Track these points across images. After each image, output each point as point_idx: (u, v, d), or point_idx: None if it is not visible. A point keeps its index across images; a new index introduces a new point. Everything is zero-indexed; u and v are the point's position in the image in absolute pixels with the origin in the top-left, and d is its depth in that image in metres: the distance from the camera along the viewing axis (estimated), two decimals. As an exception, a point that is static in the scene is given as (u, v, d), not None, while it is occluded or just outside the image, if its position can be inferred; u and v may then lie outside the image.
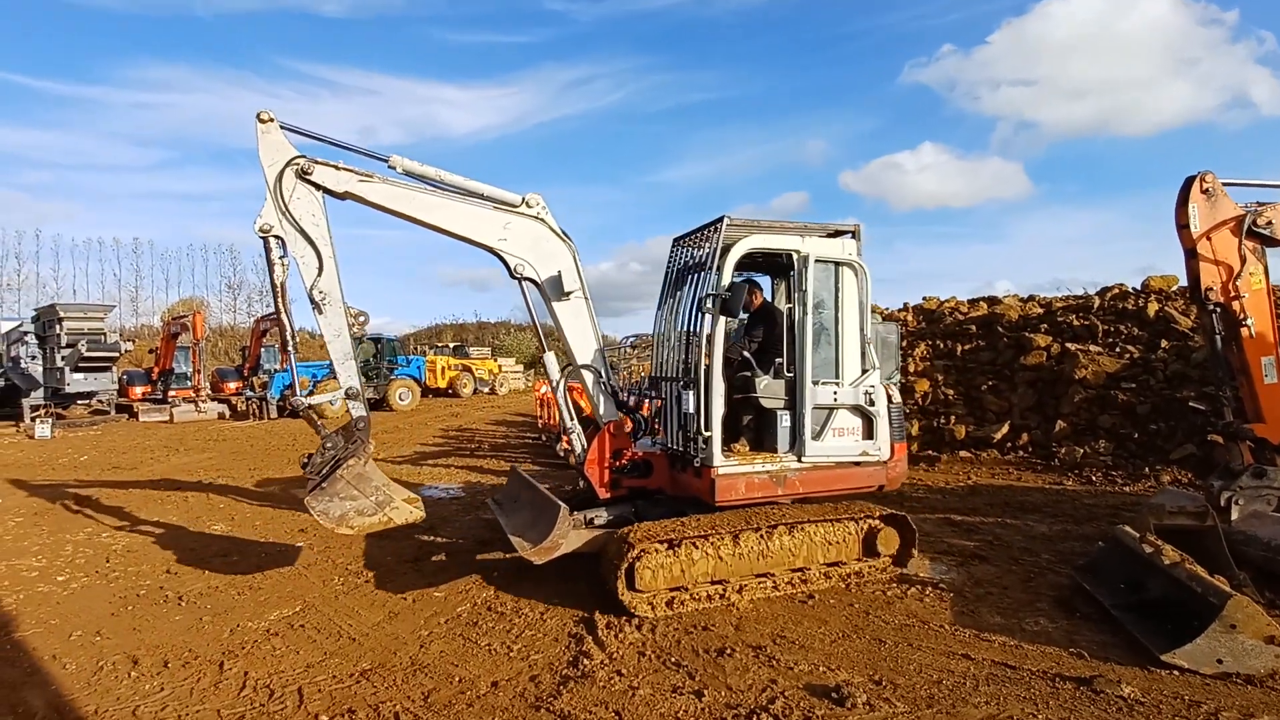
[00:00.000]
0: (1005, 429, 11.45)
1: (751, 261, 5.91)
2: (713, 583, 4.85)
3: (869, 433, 5.32)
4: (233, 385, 21.09)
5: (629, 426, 5.48)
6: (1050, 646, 4.15)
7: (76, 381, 17.40)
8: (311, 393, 5.14)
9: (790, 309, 5.58)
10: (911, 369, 13.53)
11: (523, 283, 5.23)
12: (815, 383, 5.12)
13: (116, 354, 17.42)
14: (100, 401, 18.43)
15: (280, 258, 4.68)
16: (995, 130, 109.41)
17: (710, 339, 4.95)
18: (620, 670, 3.94)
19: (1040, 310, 13.43)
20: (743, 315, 5.95)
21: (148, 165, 75.14)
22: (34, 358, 18.35)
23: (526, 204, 5.12)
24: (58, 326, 16.88)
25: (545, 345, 5.64)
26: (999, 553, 6.10)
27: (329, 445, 4.77)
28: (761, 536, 4.93)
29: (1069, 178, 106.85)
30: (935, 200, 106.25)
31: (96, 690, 3.86)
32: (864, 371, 5.29)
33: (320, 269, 4.71)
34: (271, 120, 4.62)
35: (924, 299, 16.82)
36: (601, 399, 5.39)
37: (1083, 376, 10.97)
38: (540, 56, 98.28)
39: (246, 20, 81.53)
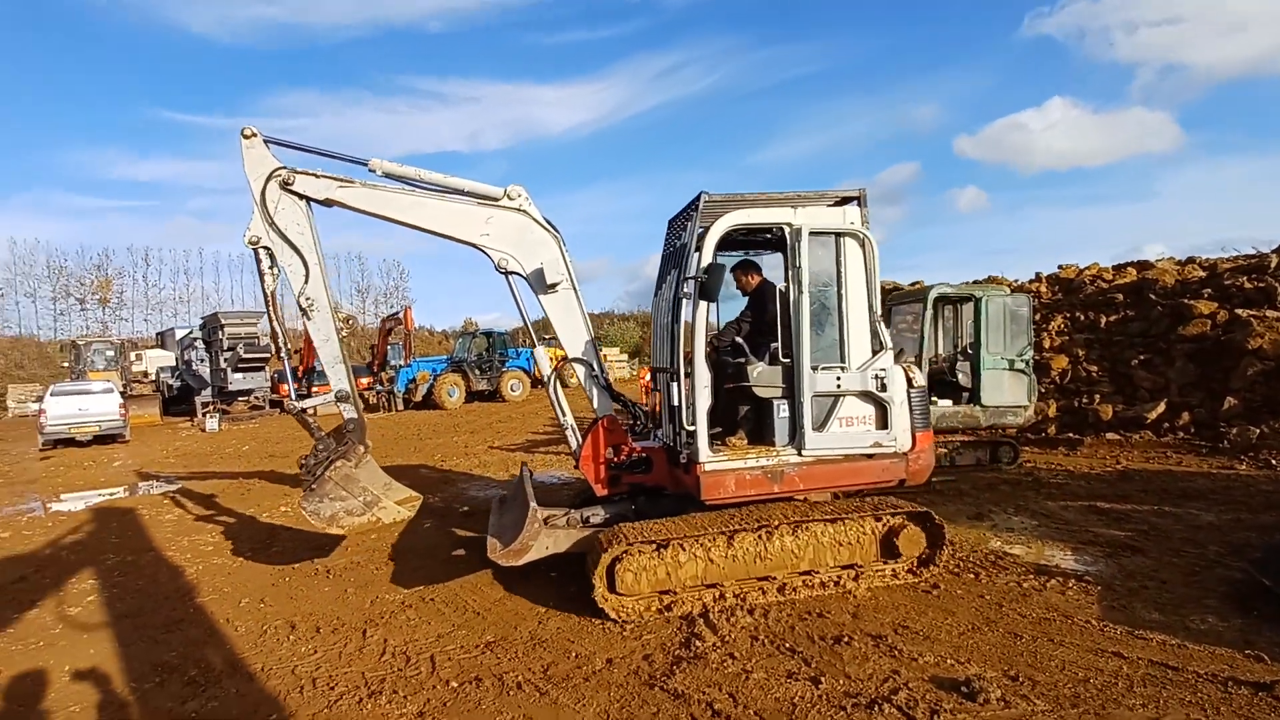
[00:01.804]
0: (1161, 407, 10.27)
1: (752, 240, 5.57)
2: (706, 586, 4.56)
3: (883, 422, 4.73)
4: (364, 381, 22.91)
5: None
6: (1221, 647, 3.67)
7: (236, 380, 19.59)
8: (305, 396, 5.28)
9: (785, 288, 5.01)
10: (1047, 344, 12.43)
11: (509, 277, 5.09)
12: (815, 368, 4.64)
13: (268, 355, 19.42)
14: (256, 398, 20.64)
15: (269, 268, 4.88)
16: (1135, 78, 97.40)
17: (691, 326, 4.63)
18: (733, 653, 3.90)
19: (1202, 274, 11.90)
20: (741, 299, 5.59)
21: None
22: (202, 360, 20.84)
23: (508, 196, 4.98)
24: (220, 332, 19.05)
25: (535, 340, 5.51)
26: (1156, 543, 5.47)
27: (321, 448, 4.97)
28: (759, 537, 4.57)
29: (1231, 124, 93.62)
30: (1068, 160, 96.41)
31: (262, 650, 4.33)
32: (875, 353, 4.73)
33: (307, 277, 4.86)
34: (254, 135, 4.79)
35: (1060, 268, 15.38)
36: (595, 392, 5.18)
37: (1258, 346, 9.61)
38: (631, 48, 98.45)
39: (362, 44, 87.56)
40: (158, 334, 35.84)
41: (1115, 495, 7.14)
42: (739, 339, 5.13)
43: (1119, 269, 13.97)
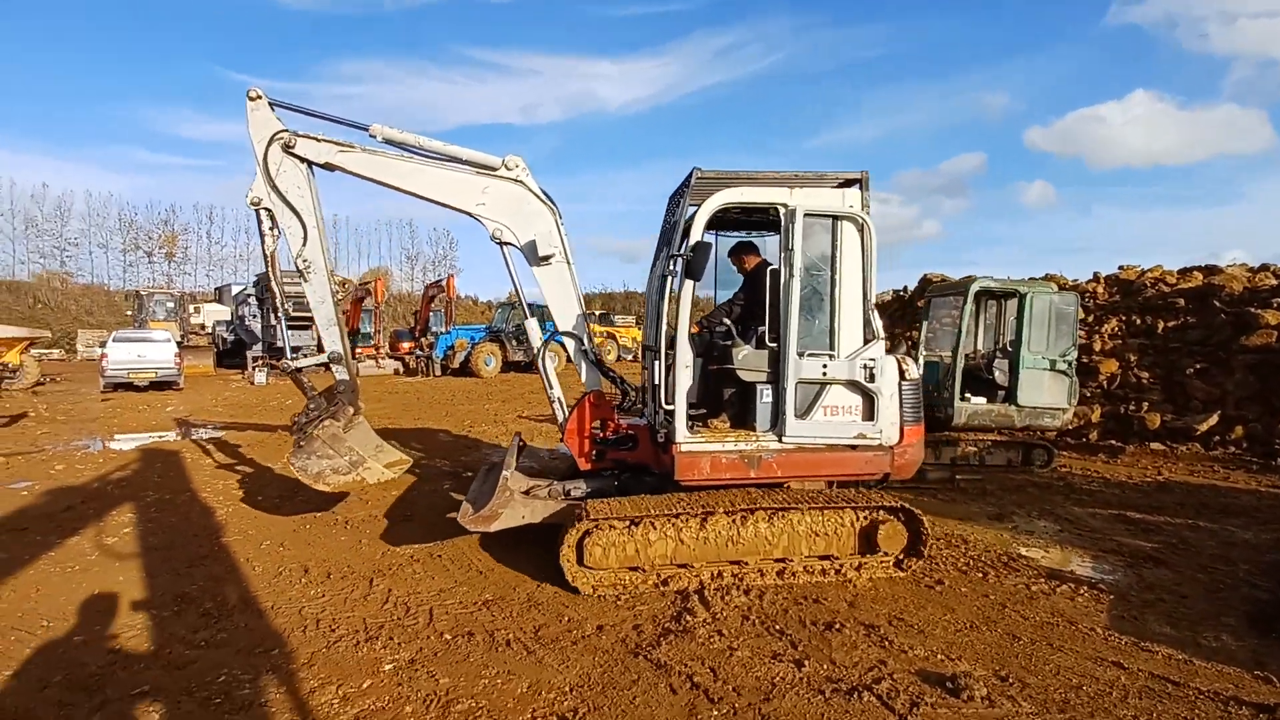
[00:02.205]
0: (1214, 419, 9.78)
1: (751, 220, 5.41)
2: (678, 566, 4.52)
3: (870, 413, 4.61)
4: (406, 345, 23.54)
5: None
6: (1229, 666, 3.51)
7: (287, 337, 20.32)
8: (296, 358, 5.36)
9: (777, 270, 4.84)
10: (1098, 347, 11.94)
11: (504, 248, 5.07)
12: (802, 354, 4.52)
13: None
14: (304, 354, 21.38)
15: (270, 229, 4.97)
16: (1230, 72, 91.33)
17: (675, 305, 4.54)
18: (721, 630, 3.92)
19: (1275, 281, 11.18)
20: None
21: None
22: (254, 316, 21.68)
23: (506, 166, 4.94)
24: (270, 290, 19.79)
25: (528, 313, 5.46)
26: (1182, 558, 5.24)
27: (313, 407, 5.10)
28: (733, 521, 4.49)
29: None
30: (1147, 157, 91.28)
31: (274, 590, 4.53)
32: (866, 342, 4.59)
33: (305, 239, 4.95)
34: (260, 98, 4.83)
35: (1120, 268, 14.67)
36: (583, 366, 5.16)
37: (1326, 361, 9.02)
38: (692, 24, 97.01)
39: (427, 12, 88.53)
40: (216, 289, 37.38)
41: (1149, 506, 6.85)
42: (728, 320, 5.07)
43: (1184, 273, 13.22)
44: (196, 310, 28.45)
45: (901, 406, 4.67)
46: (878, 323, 4.62)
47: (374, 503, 6.68)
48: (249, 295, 22.24)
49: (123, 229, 46.49)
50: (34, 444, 9.70)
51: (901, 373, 4.70)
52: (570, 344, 5.22)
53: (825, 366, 4.55)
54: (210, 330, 25.58)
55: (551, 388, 5.25)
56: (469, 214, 5.05)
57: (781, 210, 4.54)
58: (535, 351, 5.36)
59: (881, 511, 4.62)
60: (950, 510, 6.66)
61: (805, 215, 4.49)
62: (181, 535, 5.67)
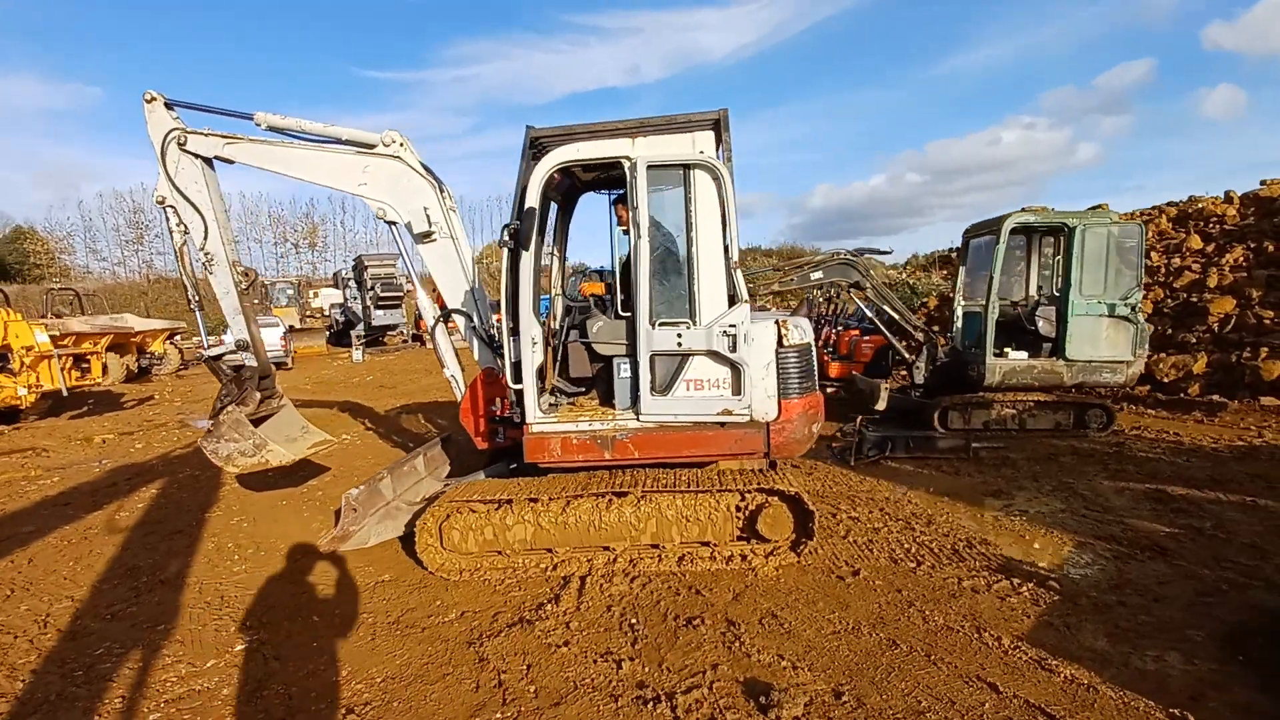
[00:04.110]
0: (1351, 368, 7.88)
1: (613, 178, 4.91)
2: (547, 550, 4.36)
3: (738, 386, 4.10)
4: (495, 316, 24.56)
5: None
6: (1146, 698, 2.81)
7: (379, 316, 21.92)
8: (211, 345, 5.48)
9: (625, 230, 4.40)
10: (1213, 282, 10.01)
11: (391, 227, 4.93)
12: (655, 323, 4.06)
13: (401, 293, 21.41)
14: (400, 332, 22.97)
15: (177, 225, 5.10)
16: None
17: (513, 277, 4.24)
18: (571, 623, 3.71)
19: None
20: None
21: (464, 130, 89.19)
22: (354, 299, 23.50)
23: (383, 143, 4.80)
24: (365, 272, 21.29)
25: (418, 286, 5.32)
26: (1197, 549, 4.28)
27: (224, 393, 5.25)
28: (596, 505, 4.17)
29: None
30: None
31: (207, 566, 4.87)
32: (731, 307, 4.05)
33: (206, 233, 5.05)
34: (155, 99, 4.92)
35: (1262, 183, 12.17)
36: (475, 344, 4.95)
37: None
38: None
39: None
40: (334, 274, 40.91)
41: (1207, 480, 5.66)
42: (591, 292, 4.78)
43: (1347, 183, 10.73)
44: (315, 295, 31.35)
45: (781, 377, 4.15)
46: (741, 284, 4.06)
47: (358, 480, 7.01)
48: (349, 279, 24.08)
49: (272, 224, 52.20)
50: (139, 423, 11.16)
51: (780, 339, 4.15)
52: (461, 321, 5.10)
53: (680, 336, 4.10)
54: (327, 313, 28.11)
55: (445, 366, 5.19)
56: (354, 194, 5.00)
57: (625, 164, 4.09)
58: (430, 328, 5.32)
59: (759, 494, 4.14)
60: (946, 484, 5.89)
61: (649, 167, 4.01)
62: (178, 511, 6.27)
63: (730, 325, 4.09)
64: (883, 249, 10.18)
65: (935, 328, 10.55)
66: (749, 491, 4.26)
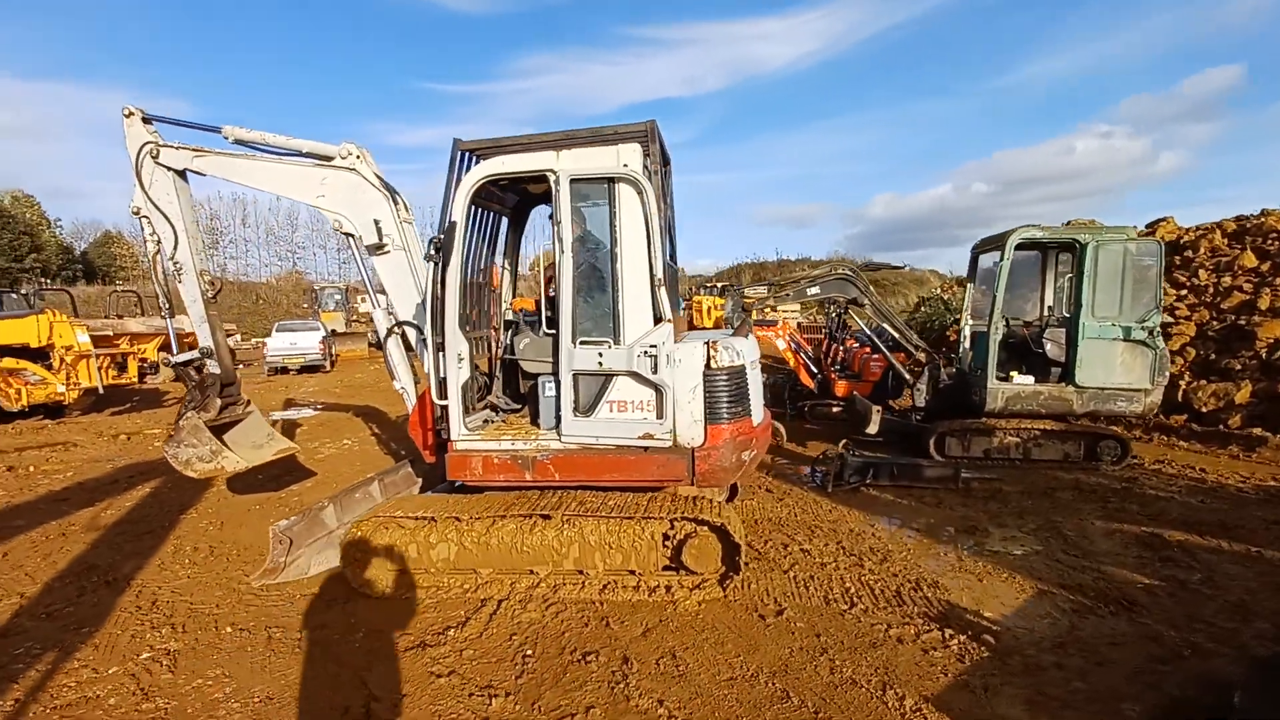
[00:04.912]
0: None
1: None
2: (469, 571, 4.26)
3: (662, 410, 3.93)
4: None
5: None
6: (1038, 782, 2.48)
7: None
8: (174, 351, 5.60)
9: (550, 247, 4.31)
10: (1265, 303, 9.16)
11: (349, 239, 4.93)
12: (577, 342, 3.96)
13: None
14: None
15: (151, 235, 5.25)
16: None
17: (438, 291, 4.19)
18: (465, 650, 3.60)
19: None
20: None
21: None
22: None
23: (340, 155, 4.82)
24: (403, 279, 21.87)
25: (375, 301, 5.22)
26: (1170, 605, 3.84)
27: (189, 400, 5.35)
28: (518, 527, 4.05)
29: None
30: None
31: (156, 568, 4.98)
32: (658, 324, 3.91)
33: (176, 243, 5.19)
34: (133, 114, 5.09)
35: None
36: (426, 357, 4.81)
37: None
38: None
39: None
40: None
41: (1216, 525, 5.10)
42: (514, 310, 4.69)
43: None
44: (362, 300, 32.38)
45: (708, 401, 3.90)
46: (665, 303, 3.88)
47: (341, 485, 7.10)
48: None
49: (337, 232, 54.59)
50: (170, 420, 11.69)
51: (709, 361, 3.91)
52: (411, 333, 5.06)
53: (601, 356, 3.95)
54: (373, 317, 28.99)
55: (395, 378, 5.15)
56: (313, 205, 5.07)
57: (550, 177, 3.99)
58: (380, 341, 5.28)
59: (687, 524, 3.92)
60: (921, 517, 5.51)
61: (573, 181, 3.90)
62: (160, 511, 6.48)
63: (651, 346, 3.92)
64: (895, 264, 9.74)
65: (944, 348, 10.00)
66: (676, 519, 4.07)
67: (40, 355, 11.30)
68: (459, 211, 4.11)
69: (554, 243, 4.03)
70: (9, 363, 10.94)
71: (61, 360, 11.27)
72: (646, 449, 4.04)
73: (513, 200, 5.19)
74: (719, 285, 31.58)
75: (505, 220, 5.33)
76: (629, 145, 3.97)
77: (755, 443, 4.26)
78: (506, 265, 5.52)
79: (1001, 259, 6.97)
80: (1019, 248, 7.06)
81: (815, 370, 10.37)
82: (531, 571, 4.23)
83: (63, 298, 16.58)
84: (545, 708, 3.08)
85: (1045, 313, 7.80)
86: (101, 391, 11.98)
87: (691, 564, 4.01)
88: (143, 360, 14.55)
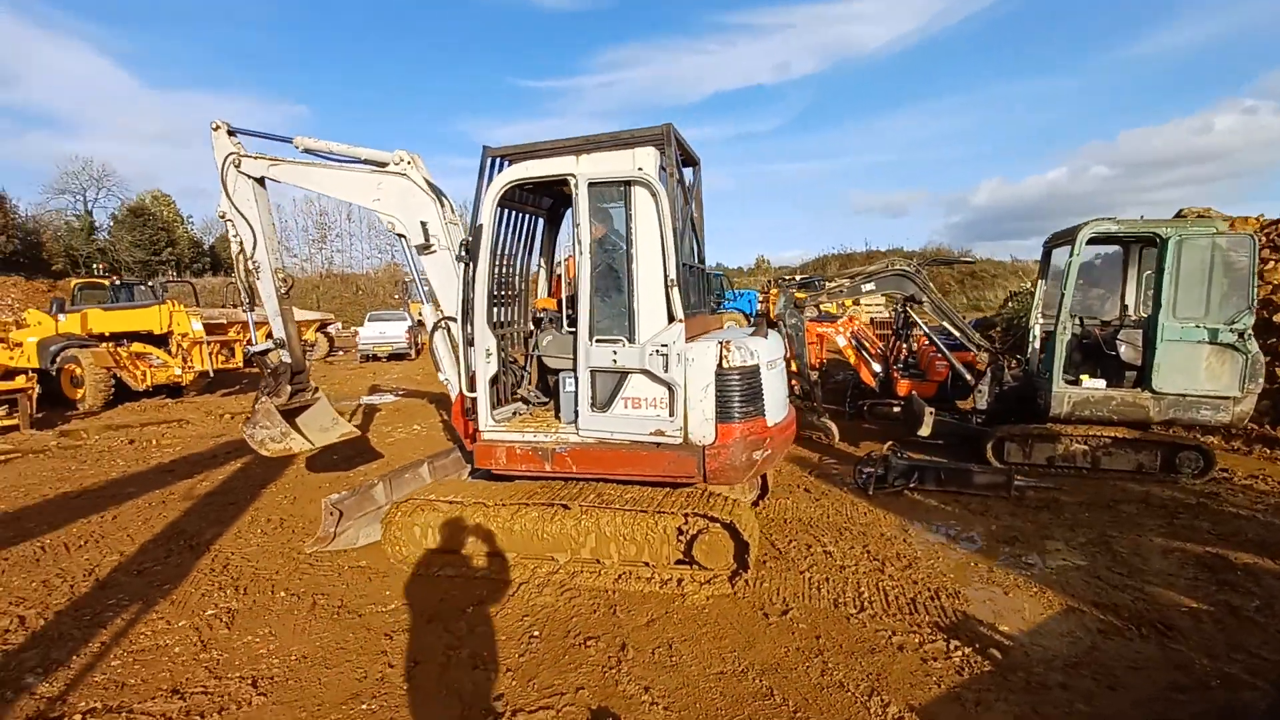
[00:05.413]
0: None
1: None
2: (496, 554, 4.48)
3: (674, 407, 4.01)
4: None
5: None
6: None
7: (495, 314, 23.35)
8: (254, 341, 6.11)
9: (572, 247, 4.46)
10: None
11: (401, 239, 5.19)
12: (594, 340, 4.10)
13: (518, 292, 22.67)
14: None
15: (234, 235, 5.74)
16: None
17: (469, 289, 4.45)
18: (478, 628, 3.85)
19: None
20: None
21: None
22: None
23: (393, 161, 5.09)
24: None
25: (424, 299, 5.41)
26: (1211, 633, 3.56)
27: (264, 385, 5.80)
28: (540, 515, 4.21)
29: None
30: None
31: (237, 537, 5.57)
32: (670, 324, 3.98)
33: (255, 244, 5.65)
34: (220, 127, 5.60)
35: None
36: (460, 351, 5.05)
37: None
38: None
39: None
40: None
41: (1293, 548, 4.63)
42: (544, 307, 4.86)
43: None
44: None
45: (720, 400, 3.97)
46: (678, 303, 3.95)
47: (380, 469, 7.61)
48: (473, 278, 25.84)
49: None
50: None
51: (721, 361, 3.96)
52: (455, 328, 5.34)
53: (616, 354, 4.09)
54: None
55: (440, 370, 5.47)
56: (370, 208, 5.46)
57: (571, 181, 4.17)
58: (429, 338, 5.61)
59: (699, 520, 3.99)
60: (961, 525, 5.32)
61: (590, 184, 4.07)
62: (246, 485, 7.18)
63: (663, 345, 4.03)
64: (966, 258, 9.29)
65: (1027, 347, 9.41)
66: (689, 515, 4.16)
67: (161, 341, 12.68)
68: (486, 215, 4.36)
69: (573, 244, 4.20)
70: (136, 347, 12.36)
71: (178, 346, 12.60)
72: (658, 445, 4.16)
73: (547, 203, 5.40)
74: (798, 278, 30.87)
75: (541, 221, 5.55)
76: (644, 149, 4.08)
77: (769, 442, 4.28)
78: (542, 264, 5.75)
79: (1072, 254, 6.53)
80: (1093, 241, 6.59)
81: (877, 369, 10.06)
82: (552, 558, 4.43)
83: (185, 289, 18.36)
84: (539, 685, 3.27)
85: (1121, 312, 7.23)
86: (211, 375, 13.29)
87: (702, 559, 4.09)
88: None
